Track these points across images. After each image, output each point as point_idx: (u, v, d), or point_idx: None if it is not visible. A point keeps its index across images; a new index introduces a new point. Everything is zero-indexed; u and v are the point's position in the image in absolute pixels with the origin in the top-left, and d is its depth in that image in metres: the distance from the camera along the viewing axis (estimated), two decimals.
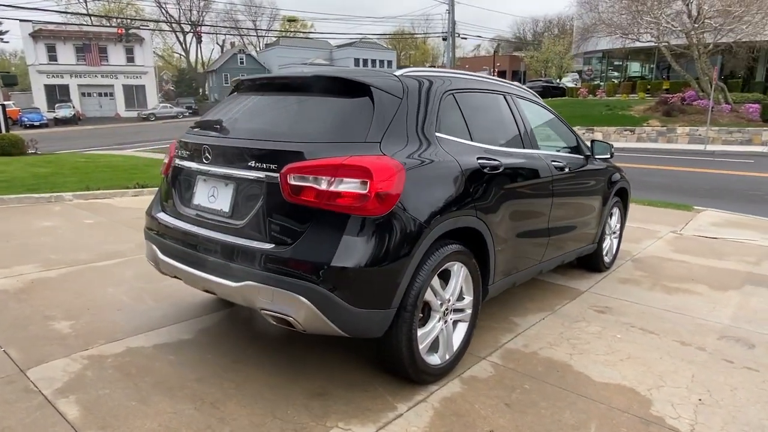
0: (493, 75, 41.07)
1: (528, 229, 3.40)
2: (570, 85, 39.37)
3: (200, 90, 61.85)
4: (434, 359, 2.72)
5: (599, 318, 3.80)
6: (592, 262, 4.80)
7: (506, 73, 45.35)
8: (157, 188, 3.31)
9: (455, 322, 2.86)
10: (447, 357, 2.79)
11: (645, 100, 26.30)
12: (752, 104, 21.43)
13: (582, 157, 4.28)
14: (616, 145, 5.41)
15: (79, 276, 4.34)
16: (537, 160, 3.51)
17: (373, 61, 67.39)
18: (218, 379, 2.75)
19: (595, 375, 2.94)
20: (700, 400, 2.72)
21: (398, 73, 2.79)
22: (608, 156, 4.46)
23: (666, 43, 22.07)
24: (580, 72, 41.57)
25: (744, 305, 4.16)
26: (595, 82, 33.69)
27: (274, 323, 2.45)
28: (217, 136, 2.72)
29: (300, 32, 71.82)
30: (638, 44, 23.70)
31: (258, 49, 71.48)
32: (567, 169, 3.85)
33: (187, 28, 63.28)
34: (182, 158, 2.90)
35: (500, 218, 3.01)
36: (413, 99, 2.70)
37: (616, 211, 5.02)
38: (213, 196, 2.70)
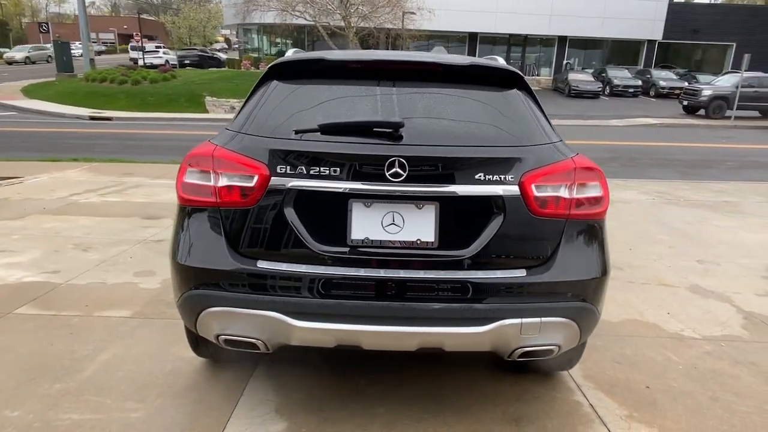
0: (138, 41, 36.60)
1: None
2: (223, 56, 39.09)
3: None
4: None
5: None
6: None
7: (140, 38, 40.43)
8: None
9: None
10: None
11: None
12: None
13: None
14: None
15: None
16: None
17: None
18: None
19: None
20: (668, 312, 3.75)
21: (502, 62, 2.63)
22: None
23: (327, 23, 24.63)
24: (228, 41, 41.63)
25: None
26: (255, 55, 34.54)
27: (519, 360, 2.13)
28: (395, 143, 1.98)
29: None
30: (301, 21, 25.59)
31: None
32: None
33: None
34: (315, 177, 1.98)
35: None
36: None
37: None
38: (395, 225, 2.00)
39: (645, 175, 9.80)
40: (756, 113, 21.90)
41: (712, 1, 45.25)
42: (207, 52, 38.01)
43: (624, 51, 35.77)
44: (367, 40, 25.99)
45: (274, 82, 2.29)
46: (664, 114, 22.87)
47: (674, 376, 2.89)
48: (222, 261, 2.03)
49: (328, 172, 1.99)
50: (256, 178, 2.01)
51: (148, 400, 2.45)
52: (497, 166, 2.03)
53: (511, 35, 34.64)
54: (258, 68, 31.14)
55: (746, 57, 19.91)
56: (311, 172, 2.00)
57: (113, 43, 58.44)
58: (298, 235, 2.00)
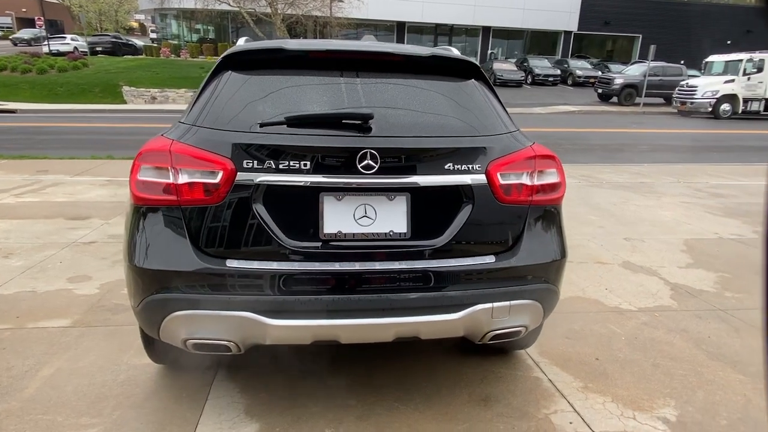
0: (41, 26, 33.31)
1: None
2: (139, 42, 36.75)
3: None
4: None
5: None
6: None
7: (43, 22, 36.14)
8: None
9: None
10: None
11: None
12: None
13: None
14: None
15: None
16: None
17: None
18: None
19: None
20: (606, 288, 4.03)
21: (457, 53, 2.67)
22: None
23: (252, 9, 23.81)
24: (143, 27, 39.17)
25: None
26: (175, 42, 32.74)
27: (491, 342, 2.20)
28: (366, 135, 1.95)
29: None
30: (225, 7, 24.56)
31: None
32: None
33: None
34: (284, 171, 1.92)
35: None
36: None
37: None
38: (367, 217, 1.99)
39: (569, 159, 10.35)
40: (661, 100, 23.78)
41: None
42: (121, 38, 35.45)
43: (543, 41, 37.51)
44: (294, 27, 25.45)
45: (228, 73, 2.19)
46: (582, 101, 24.27)
47: (619, 346, 3.11)
48: (187, 262, 1.93)
49: (297, 165, 1.95)
50: (220, 173, 1.93)
51: (104, 414, 2.30)
52: (465, 155, 2.07)
53: (437, 25, 35.24)
54: (179, 56, 29.60)
55: (652, 48, 21.49)
56: (280, 166, 1.94)
57: (11, 27, 53.12)
58: (268, 231, 1.95)
